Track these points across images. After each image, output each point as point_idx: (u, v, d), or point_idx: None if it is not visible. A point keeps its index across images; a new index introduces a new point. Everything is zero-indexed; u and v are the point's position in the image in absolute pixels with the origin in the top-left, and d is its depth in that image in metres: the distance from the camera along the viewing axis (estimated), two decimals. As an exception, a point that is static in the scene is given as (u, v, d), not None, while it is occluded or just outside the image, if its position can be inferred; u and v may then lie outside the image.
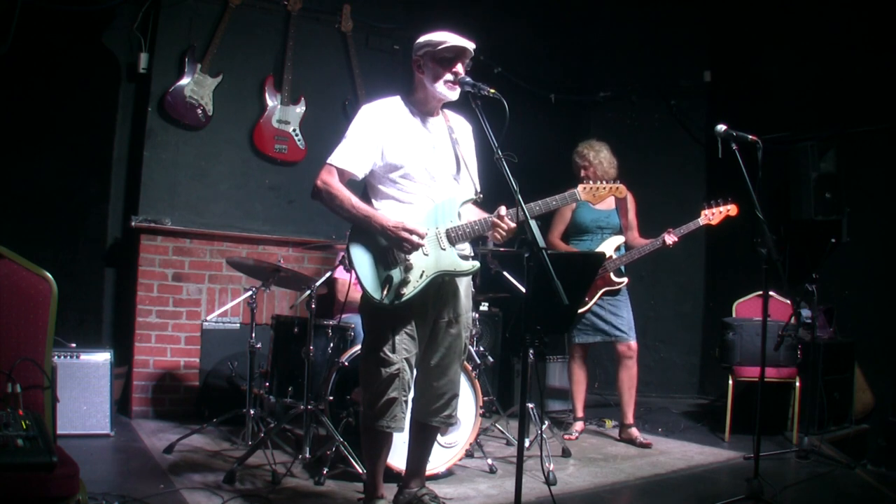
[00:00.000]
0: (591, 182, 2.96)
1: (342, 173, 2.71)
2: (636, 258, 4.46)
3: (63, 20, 4.60)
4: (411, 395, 2.85)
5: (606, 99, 6.51)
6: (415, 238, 2.60)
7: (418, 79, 2.78)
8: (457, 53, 2.69)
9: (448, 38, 2.69)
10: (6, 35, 4.36)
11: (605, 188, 2.95)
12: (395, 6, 5.76)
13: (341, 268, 4.26)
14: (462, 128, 2.94)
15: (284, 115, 5.23)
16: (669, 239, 4.32)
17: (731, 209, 4.25)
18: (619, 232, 4.57)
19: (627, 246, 4.57)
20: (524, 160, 2.67)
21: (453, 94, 2.73)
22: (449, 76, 2.69)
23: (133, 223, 4.73)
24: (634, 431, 4.54)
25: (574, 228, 4.62)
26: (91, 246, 4.95)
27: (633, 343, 4.54)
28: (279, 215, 5.30)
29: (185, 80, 4.89)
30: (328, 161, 2.73)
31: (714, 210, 4.26)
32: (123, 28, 4.88)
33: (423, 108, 2.82)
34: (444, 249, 2.71)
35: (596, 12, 6.53)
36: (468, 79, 2.66)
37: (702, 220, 4.29)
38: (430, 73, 2.72)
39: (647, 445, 4.43)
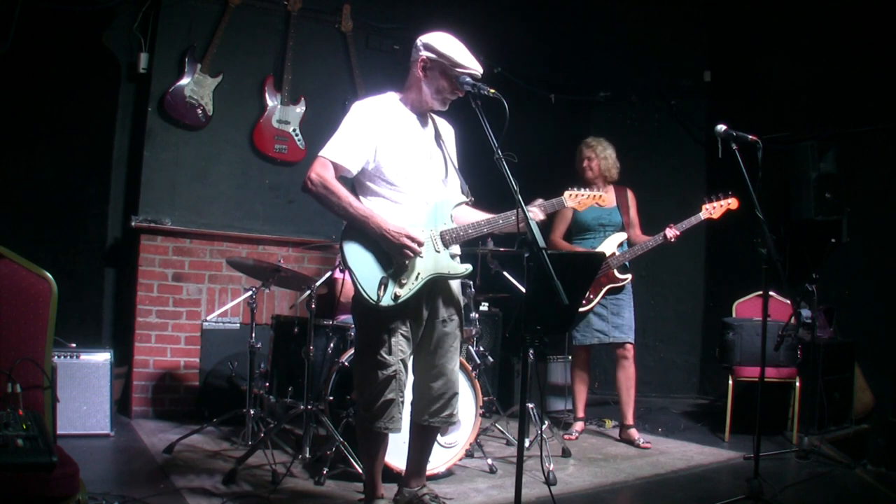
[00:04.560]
0: (579, 189, 3.00)
1: (337, 168, 2.64)
2: (639, 254, 4.46)
3: (63, 20, 4.60)
4: (409, 396, 2.85)
5: (606, 99, 6.50)
6: (415, 246, 2.60)
7: (417, 78, 2.73)
8: (469, 76, 2.66)
9: (469, 63, 2.65)
10: (6, 35, 4.36)
11: (588, 196, 3.02)
12: (395, 6, 5.76)
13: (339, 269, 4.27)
14: (447, 131, 2.93)
15: (284, 115, 5.23)
16: (671, 233, 4.30)
17: (732, 203, 4.21)
18: (622, 229, 4.58)
19: (629, 243, 4.57)
20: (524, 160, 2.67)
21: (444, 107, 2.76)
22: (450, 95, 2.69)
23: (133, 223, 4.73)
24: (634, 433, 4.53)
25: (576, 227, 4.63)
26: (91, 246, 4.95)
27: (630, 344, 4.54)
28: (279, 215, 5.30)
29: (185, 80, 4.89)
30: (322, 154, 2.65)
31: (715, 204, 4.23)
32: (123, 28, 4.88)
33: (415, 108, 2.80)
34: (439, 252, 2.71)
35: (595, 12, 6.52)
36: (468, 79, 2.64)
37: (703, 215, 4.25)
38: (433, 82, 2.69)
39: (645, 449, 4.40)
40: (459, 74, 2.64)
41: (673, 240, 4.31)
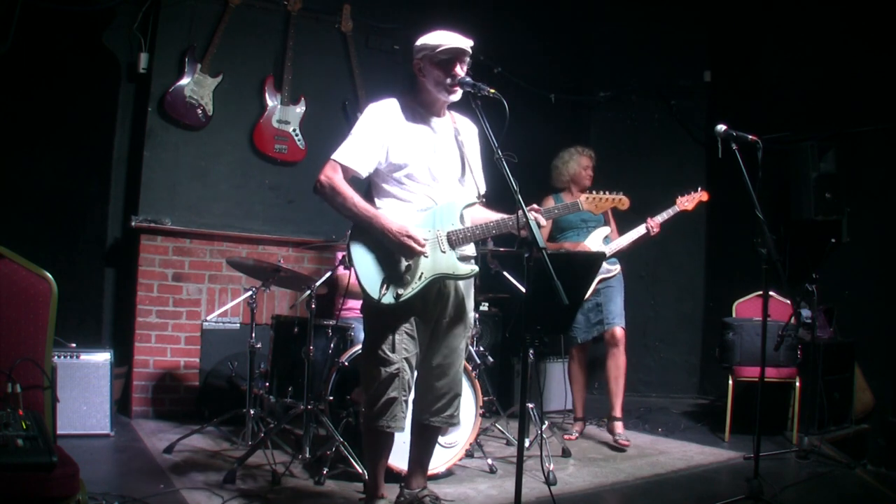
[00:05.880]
0: (596, 192, 2.97)
1: (346, 170, 2.70)
2: (624, 245, 4.47)
3: (63, 20, 4.60)
4: (412, 395, 2.85)
5: (606, 99, 6.50)
6: (416, 245, 2.62)
7: (420, 82, 2.78)
8: (455, 54, 2.69)
9: (445, 40, 2.68)
10: (6, 35, 4.36)
11: (608, 199, 2.99)
12: (395, 6, 5.76)
13: (341, 267, 4.26)
14: (468, 130, 2.94)
15: (284, 114, 5.23)
16: (652, 223, 4.39)
17: (703, 195, 4.41)
18: (603, 224, 4.59)
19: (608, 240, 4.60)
20: (524, 160, 2.68)
21: (455, 97, 2.75)
22: (449, 80, 2.69)
23: (133, 223, 4.73)
24: (619, 426, 4.45)
25: (557, 226, 4.60)
26: (91, 246, 4.95)
27: (619, 330, 4.48)
28: (279, 215, 5.30)
29: (185, 80, 4.89)
30: (333, 157, 2.72)
31: (688, 197, 4.41)
32: (123, 28, 4.88)
33: (428, 109, 2.83)
34: (444, 252, 2.71)
35: (595, 13, 6.53)
36: (468, 79, 2.66)
37: (678, 207, 4.41)
38: (430, 77, 2.73)
39: (622, 447, 4.32)
40: (445, 56, 2.67)
41: (655, 229, 4.37)
